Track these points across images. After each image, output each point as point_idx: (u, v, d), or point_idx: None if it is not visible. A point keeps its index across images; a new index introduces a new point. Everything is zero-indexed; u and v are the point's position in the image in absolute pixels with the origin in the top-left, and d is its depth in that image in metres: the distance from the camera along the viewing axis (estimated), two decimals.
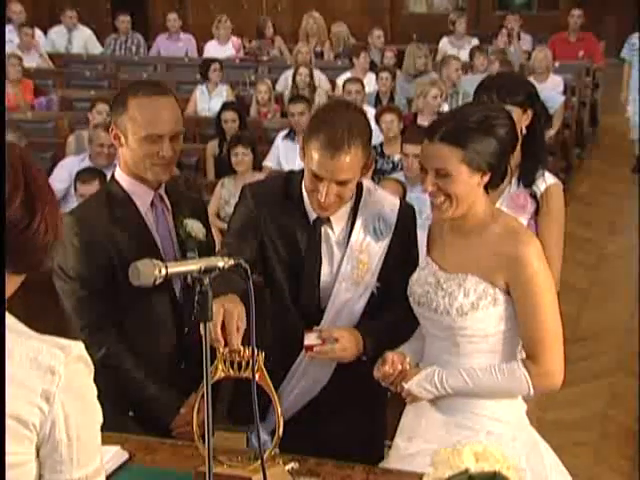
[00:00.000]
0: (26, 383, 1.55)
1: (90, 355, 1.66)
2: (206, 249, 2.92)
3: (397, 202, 2.95)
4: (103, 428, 1.68)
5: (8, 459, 1.54)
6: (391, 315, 2.88)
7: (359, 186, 2.87)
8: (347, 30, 11.98)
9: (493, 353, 2.61)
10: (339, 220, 2.87)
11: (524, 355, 2.64)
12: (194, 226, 2.93)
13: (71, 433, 1.58)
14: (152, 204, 2.89)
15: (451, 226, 2.68)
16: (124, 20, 12.18)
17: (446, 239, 2.70)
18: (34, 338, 1.61)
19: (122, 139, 2.81)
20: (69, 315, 2.85)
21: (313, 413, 2.92)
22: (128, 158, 2.83)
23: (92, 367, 1.64)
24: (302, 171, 2.83)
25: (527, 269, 2.52)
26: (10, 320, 1.62)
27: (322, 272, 2.88)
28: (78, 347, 1.62)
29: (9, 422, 1.54)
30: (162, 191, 2.91)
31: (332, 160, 2.66)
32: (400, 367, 2.66)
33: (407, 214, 2.95)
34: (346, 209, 2.86)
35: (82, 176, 5.87)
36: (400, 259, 2.89)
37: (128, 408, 2.85)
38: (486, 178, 2.57)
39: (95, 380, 1.65)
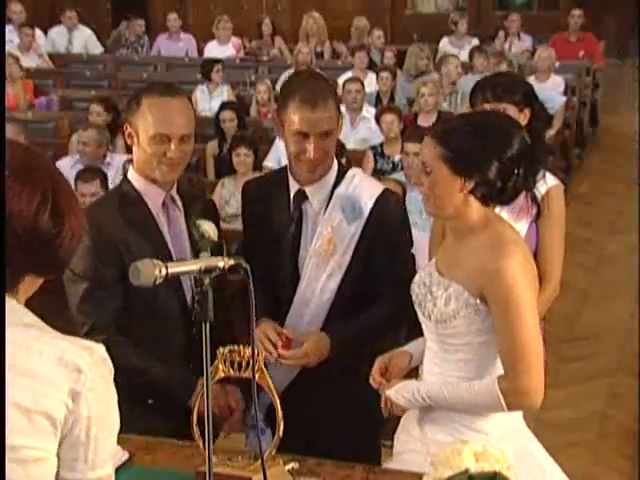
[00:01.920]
0: (54, 381, 1.58)
1: None
2: (218, 249, 2.92)
3: (379, 190, 3.01)
4: (123, 428, 1.70)
5: (34, 453, 1.57)
6: (375, 312, 2.95)
7: (343, 170, 3.03)
8: (367, 24, 11.92)
9: (474, 362, 2.54)
10: (317, 195, 2.99)
11: None
12: (207, 227, 2.95)
13: (90, 433, 1.61)
14: (164, 204, 2.90)
15: (449, 228, 2.66)
16: (140, 24, 12.31)
17: (448, 240, 2.68)
18: (58, 337, 1.64)
19: (134, 138, 2.85)
20: (74, 314, 2.84)
21: (309, 412, 2.94)
22: (140, 157, 2.87)
23: (113, 371, 1.67)
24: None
25: (505, 283, 2.42)
26: (31, 318, 1.65)
27: (300, 247, 3.02)
28: (101, 349, 1.65)
29: (38, 418, 1.57)
30: (174, 192, 2.93)
31: (313, 113, 2.85)
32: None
33: (389, 202, 3.01)
34: (326, 189, 2.99)
35: (82, 175, 5.88)
36: (380, 246, 2.95)
37: (144, 400, 2.81)
38: (469, 185, 2.49)
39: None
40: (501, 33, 11.12)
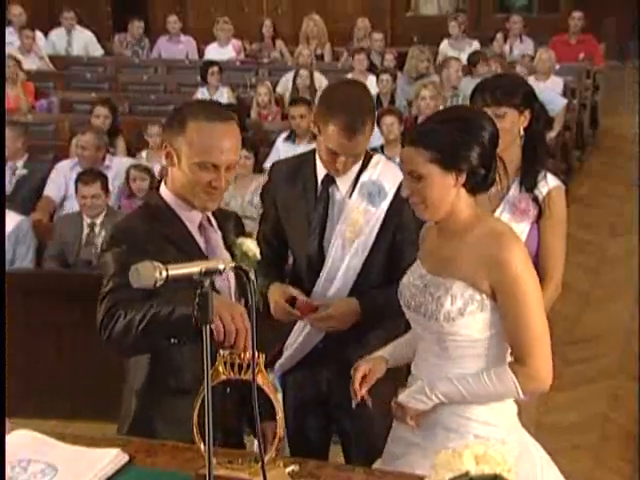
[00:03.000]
0: None
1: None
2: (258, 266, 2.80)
3: (401, 176, 3.00)
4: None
5: None
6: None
7: (368, 156, 3.21)
8: (368, 24, 11.92)
9: (481, 357, 2.60)
10: (345, 182, 3.19)
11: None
12: (250, 244, 2.81)
13: None
14: (200, 226, 2.73)
15: (438, 228, 2.67)
16: (139, 26, 12.27)
17: (434, 242, 2.69)
18: None
19: (175, 159, 2.66)
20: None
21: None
22: (178, 180, 2.68)
23: None
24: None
25: (510, 272, 2.51)
26: None
27: (327, 228, 3.19)
28: None
29: None
30: (209, 212, 2.77)
31: (350, 142, 3.03)
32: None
33: None
34: (353, 174, 3.18)
35: (83, 178, 5.88)
36: (403, 227, 3.14)
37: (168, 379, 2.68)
38: (462, 178, 2.55)
39: None
40: (499, 35, 11.11)
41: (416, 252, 2.82)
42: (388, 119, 7.04)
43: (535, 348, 2.55)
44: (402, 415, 2.66)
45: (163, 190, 2.76)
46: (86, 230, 5.79)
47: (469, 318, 2.56)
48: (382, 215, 3.17)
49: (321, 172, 3.21)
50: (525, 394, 2.60)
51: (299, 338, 3.29)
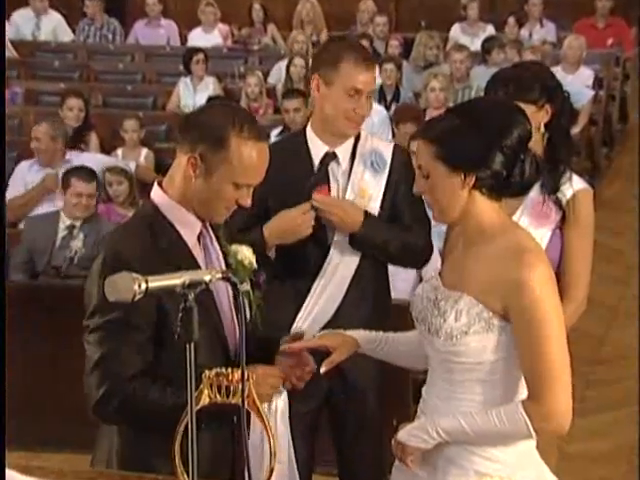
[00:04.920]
0: None
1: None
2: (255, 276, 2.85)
3: (391, 145, 3.76)
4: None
5: None
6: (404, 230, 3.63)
7: (357, 133, 3.68)
8: (373, 6, 11.96)
9: (488, 383, 2.58)
10: (344, 156, 3.63)
11: None
12: (246, 252, 2.84)
13: None
14: (199, 234, 2.77)
15: (458, 234, 2.68)
16: (94, 4, 11.98)
17: (454, 250, 2.70)
18: None
19: (201, 171, 2.66)
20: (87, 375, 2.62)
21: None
22: (195, 191, 2.68)
23: None
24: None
25: (528, 295, 2.47)
26: None
27: None
28: None
29: None
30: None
31: (368, 72, 3.55)
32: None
33: (402, 152, 3.75)
34: (350, 146, 3.63)
35: (80, 173, 5.91)
36: (403, 190, 3.56)
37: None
38: (471, 179, 2.54)
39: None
40: (511, 19, 11.10)
41: (416, 210, 3.47)
42: (409, 127, 6.71)
43: (552, 383, 2.49)
44: (402, 455, 2.66)
45: (159, 197, 2.74)
46: (62, 232, 5.83)
47: (472, 338, 2.54)
48: (384, 182, 3.62)
49: (316, 150, 3.62)
50: (539, 435, 2.56)
51: None
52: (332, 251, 3.59)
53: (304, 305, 3.59)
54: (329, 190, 3.60)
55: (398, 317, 3.63)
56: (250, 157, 2.64)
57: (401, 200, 3.61)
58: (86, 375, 2.59)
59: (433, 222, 3.55)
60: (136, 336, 2.56)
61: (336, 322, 3.47)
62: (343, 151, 3.63)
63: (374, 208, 3.60)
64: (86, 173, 5.98)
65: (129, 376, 2.55)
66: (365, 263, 3.61)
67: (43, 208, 6.58)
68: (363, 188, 3.61)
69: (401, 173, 3.61)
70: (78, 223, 5.86)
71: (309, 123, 3.70)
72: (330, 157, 3.62)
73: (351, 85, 3.50)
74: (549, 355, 2.49)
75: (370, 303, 3.63)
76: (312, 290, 3.59)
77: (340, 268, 3.59)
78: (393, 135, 7.21)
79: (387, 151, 3.67)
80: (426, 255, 3.68)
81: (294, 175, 3.58)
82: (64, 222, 5.87)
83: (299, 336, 2.95)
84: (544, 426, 2.54)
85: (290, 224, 3.54)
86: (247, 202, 2.70)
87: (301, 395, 3.15)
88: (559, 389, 2.50)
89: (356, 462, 3.73)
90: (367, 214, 3.56)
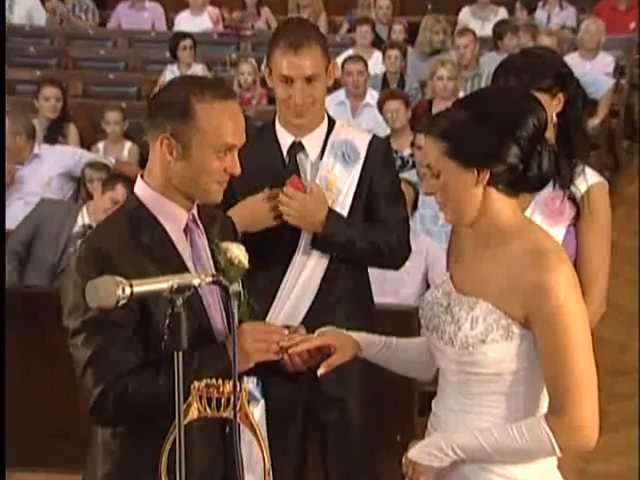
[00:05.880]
0: None
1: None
2: (248, 278, 2.84)
3: (369, 135, 3.77)
4: None
5: None
6: (373, 226, 3.64)
7: (332, 121, 3.71)
8: None
9: (509, 396, 2.57)
10: (313, 146, 3.65)
11: None
12: (237, 251, 2.83)
13: None
14: (186, 227, 2.79)
15: (473, 234, 2.67)
16: None
17: (467, 253, 2.70)
18: None
19: (178, 151, 2.71)
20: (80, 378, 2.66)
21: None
22: (177, 174, 2.72)
23: None
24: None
25: (551, 301, 2.47)
26: None
27: None
28: None
29: None
30: (195, 211, 2.81)
31: (297, 56, 3.50)
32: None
33: (380, 145, 3.74)
34: (320, 138, 3.66)
35: (118, 180, 5.82)
36: (377, 186, 3.64)
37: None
38: (485, 175, 2.54)
39: None
40: (518, 4, 11.11)
41: (392, 205, 3.57)
42: (392, 104, 7.05)
43: (578, 396, 2.48)
44: (413, 474, 2.64)
45: (142, 190, 2.78)
46: (77, 228, 5.76)
47: (490, 347, 2.53)
48: (357, 175, 3.64)
49: (284, 141, 3.67)
50: (563, 452, 2.54)
51: None
52: (299, 247, 3.60)
53: (276, 298, 3.61)
54: (302, 184, 3.59)
55: (403, 324, 3.64)
56: (219, 116, 2.70)
57: (376, 195, 3.64)
58: (79, 377, 2.62)
59: (442, 222, 3.57)
60: (119, 332, 2.58)
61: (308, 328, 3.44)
62: (312, 141, 3.66)
63: (345, 203, 3.62)
64: (110, 180, 5.89)
65: (124, 372, 2.58)
66: (338, 265, 3.62)
67: (13, 207, 6.56)
68: (331, 180, 3.62)
69: (377, 166, 3.64)
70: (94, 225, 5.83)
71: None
72: (297, 147, 3.66)
73: (279, 73, 3.54)
74: (574, 365, 2.49)
75: (347, 307, 3.62)
76: (283, 283, 3.61)
77: (308, 264, 3.60)
78: None
79: (362, 142, 3.66)
80: (399, 255, 3.68)
81: (265, 165, 3.62)
82: (84, 219, 5.83)
83: (294, 330, 2.94)
84: (569, 442, 2.53)
85: (248, 210, 3.56)
86: (236, 169, 2.74)
87: (279, 402, 3.29)
88: (585, 402, 2.50)
89: None
90: (330, 212, 3.55)
